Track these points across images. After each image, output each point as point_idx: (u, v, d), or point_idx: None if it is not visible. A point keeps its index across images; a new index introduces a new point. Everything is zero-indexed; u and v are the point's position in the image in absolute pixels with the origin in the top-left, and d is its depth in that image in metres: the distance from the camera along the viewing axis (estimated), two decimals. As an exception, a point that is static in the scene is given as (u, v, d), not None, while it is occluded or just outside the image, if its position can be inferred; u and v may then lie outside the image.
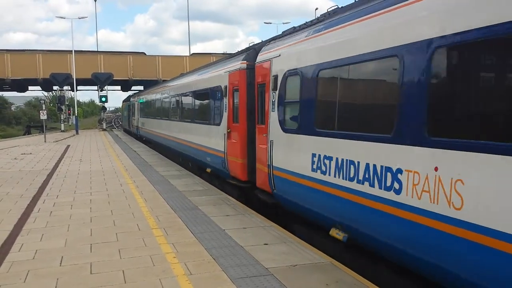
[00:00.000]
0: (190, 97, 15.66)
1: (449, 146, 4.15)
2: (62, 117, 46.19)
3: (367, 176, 5.39)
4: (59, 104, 45.46)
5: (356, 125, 5.82)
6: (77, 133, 40.79)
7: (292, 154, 7.55)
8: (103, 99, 43.38)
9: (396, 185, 4.86)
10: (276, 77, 8.18)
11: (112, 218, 8.29)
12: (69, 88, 50.10)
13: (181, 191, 10.80)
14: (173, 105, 19.21)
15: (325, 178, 6.35)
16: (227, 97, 11.14)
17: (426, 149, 4.42)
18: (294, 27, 8.82)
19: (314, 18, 9.14)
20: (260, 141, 9.16)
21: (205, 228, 7.47)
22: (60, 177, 13.58)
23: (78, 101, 56.31)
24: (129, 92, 54.00)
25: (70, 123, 49.57)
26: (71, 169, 15.31)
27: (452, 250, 4.10)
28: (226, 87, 11.27)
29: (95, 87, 44.91)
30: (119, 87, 56.16)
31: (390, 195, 4.95)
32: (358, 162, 5.56)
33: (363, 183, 5.46)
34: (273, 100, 8.30)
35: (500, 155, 3.62)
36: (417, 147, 4.55)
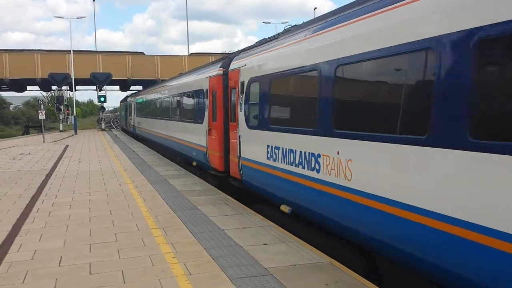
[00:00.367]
0: (179, 99, 17.48)
1: (344, 136, 5.82)
2: (61, 117, 46.04)
3: (301, 160, 7.01)
4: (57, 104, 45.37)
5: (294, 122, 7.55)
6: (75, 133, 40.70)
7: (254, 146, 9.16)
8: (102, 99, 43.36)
9: (317, 166, 6.50)
10: (243, 83, 9.83)
11: (111, 218, 8.28)
12: (68, 88, 50.10)
13: (180, 191, 10.80)
14: (165, 105, 20.93)
15: (275, 164, 7.98)
16: (208, 98, 12.67)
17: (333, 139, 6.08)
18: (260, 40, 10.59)
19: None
20: (232, 136, 10.69)
21: (204, 228, 7.47)
22: (59, 177, 13.56)
23: (76, 101, 56.30)
24: (127, 92, 53.97)
25: (68, 123, 49.44)
26: (70, 169, 15.29)
27: (348, 209, 5.75)
28: (207, 90, 12.80)
29: (94, 87, 44.88)
30: (117, 87, 56.17)
31: (314, 174, 6.58)
32: (295, 150, 7.20)
33: (298, 166, 7.11)
34: (241, 102, 9.92)
35: (371, 142, 5.24)
36: (327, 137, 6.22)
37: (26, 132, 51.76)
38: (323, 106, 6.31)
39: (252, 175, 9.32)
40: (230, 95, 11.14)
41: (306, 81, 7.17)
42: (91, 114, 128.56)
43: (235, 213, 8.50)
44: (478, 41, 3.87)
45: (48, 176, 13.77)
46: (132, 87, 53.52)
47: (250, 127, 9.37)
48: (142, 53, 51.09)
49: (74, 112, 46.11)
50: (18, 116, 75.53)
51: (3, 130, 60.64)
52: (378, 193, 5.07)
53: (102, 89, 43.04)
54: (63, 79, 42.36)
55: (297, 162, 7.10)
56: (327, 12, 7.64)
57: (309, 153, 6.73)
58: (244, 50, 11.50)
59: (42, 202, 9.81)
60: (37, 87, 52.60)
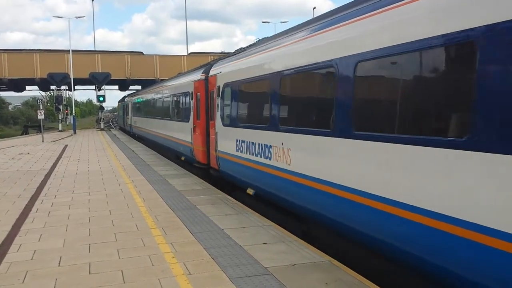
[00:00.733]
0: (169, 100, 19.55)
1: (285, 130, 7.54)
2: (60, 117, 45.94)
3: (259, 151, 8.67)
4: (56, 104, 45.32)
5: (254, 120, 9.30)
6: (74, 133, 40.64)
7: (227, 140, 10.81)
8: (101, 98, 43.32)
9: (269, 155, 8.18)
10: (219, 87, 11.55)
11: (110, 218, 8.28)
12: (67, 88, 50.08)
13: (179, 191, 10.80)
14: (158, 106, 23.13)
15: (242, 155, 9.67)
16: (193, 100, 14.36)
17: (279, 133, 7.76)
18: (238, 49, 12.26)
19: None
20: (212, 132, 12.40)
21: (204, 227, 7.47)
22: (58, 177, 13.56)
23: (75, 100, 56.11)
24: (126, 91, 53.94)
25: (67, 123, 49.35)
26: (69, 169, 15.28)
27: (288, 187, 7.47)
28: (192, 92, 14.50)
29: (93, 87, 44.83)
30: (116, 87, 56.11)
31: (267, 161, 8.26)
32: (255, 143, 8.90)
33: (257, 156, 8.78)
34: (218, 104, 11.62)
35: (300, 134, 6.98)
36: (276, 132, 7.88)
37: (25, 132, 51.69)
38: (272, 107, 8.08)
39: (226, 165, 11.03)
40: (209, 97, 12.80)
41: (263, 87, 8.64)
42: (90, 114, 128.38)
43: (235, 212, 8.50)
44: None
45: (47, 176, 13.76)
46: (131, 87, 53.52)
47: (224, 124, 11.09)
48: (141, 53, 51.07)
49: (73, 112, 45.98)
50: (17, 116, 75.36)
51: (2, 130, 60.52)
52: (307, 172, 6.75)
53: (101, 89, 43.02)
54: (62, 79, 42.30)
55: (256, 152, 8.82)
56: (284, 29, 9.30)
57: (264, 144, 8.44)
58: (221, 58, 13.71)
59: (42, 202, 9.80)
60: (36, 87, 52.57)
